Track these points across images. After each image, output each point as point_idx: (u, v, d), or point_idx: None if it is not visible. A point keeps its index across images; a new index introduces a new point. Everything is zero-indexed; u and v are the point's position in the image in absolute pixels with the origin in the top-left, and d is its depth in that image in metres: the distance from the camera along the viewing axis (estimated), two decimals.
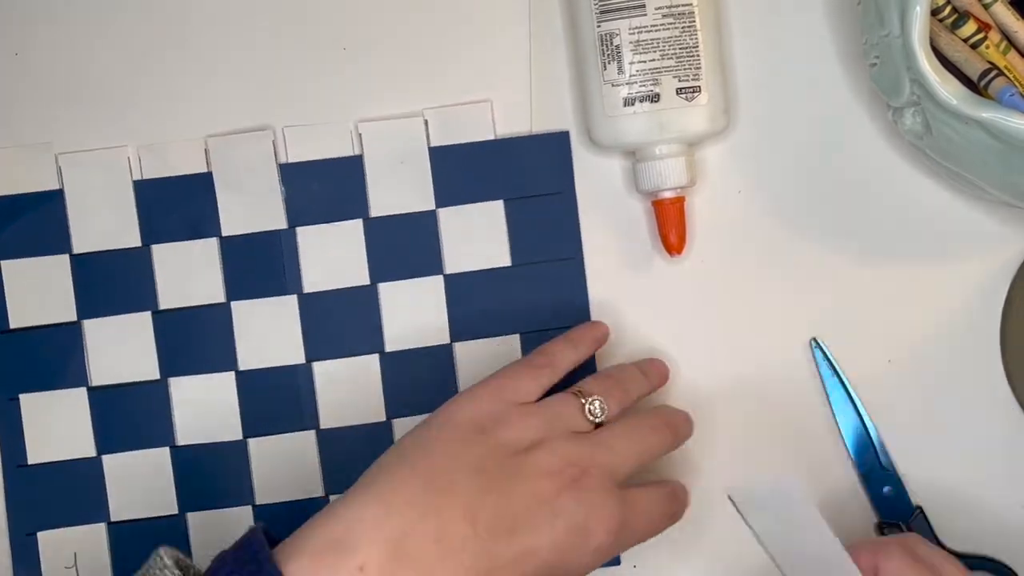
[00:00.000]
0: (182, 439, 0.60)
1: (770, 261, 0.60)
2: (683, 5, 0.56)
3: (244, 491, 0.60)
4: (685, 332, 0.60)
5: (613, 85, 0.57)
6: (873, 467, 0.59)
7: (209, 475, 0.60)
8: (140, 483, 0.60)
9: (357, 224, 0.60)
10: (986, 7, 0.54)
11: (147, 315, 0.60)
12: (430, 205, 0.60)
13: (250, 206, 0.60)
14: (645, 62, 0.57)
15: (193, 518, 0.60)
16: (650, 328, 0.60)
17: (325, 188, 0.60)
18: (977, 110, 0.50)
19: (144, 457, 0.60)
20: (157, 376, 0.60)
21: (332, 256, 0.60)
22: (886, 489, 0.59)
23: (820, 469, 0.60)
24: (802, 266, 0.60)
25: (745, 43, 0.60)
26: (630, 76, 0.57)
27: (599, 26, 0.57)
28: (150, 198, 0.60)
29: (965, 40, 0.53)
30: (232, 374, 0.60)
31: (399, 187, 0.60)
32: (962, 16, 0.53)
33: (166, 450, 0.60)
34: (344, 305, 0.60)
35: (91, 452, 0.60)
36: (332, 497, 0.60)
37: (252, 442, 0.60)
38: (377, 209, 0.60)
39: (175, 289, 0.60)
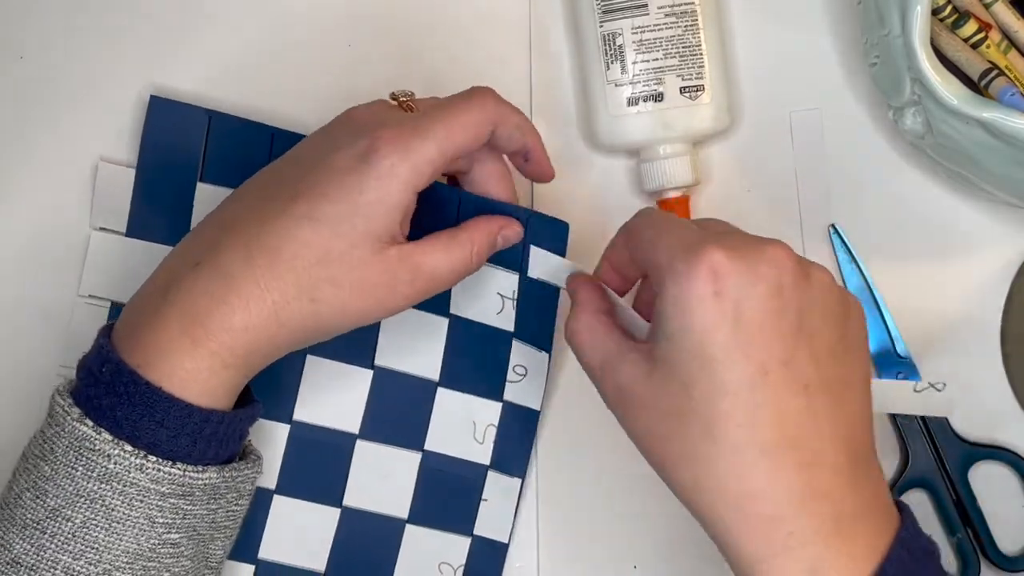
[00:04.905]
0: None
1: None
2: (685, 4, 0.57)
3: None
4: None
5: (616, 85, 0.57)
6: (888, 354, 0.58)
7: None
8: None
9: None
10: (987, 7, 0.54)
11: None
12: None
13: None
14: (648, 61, 0.57)
15: None
16: None
17: None
18: (978, 110, 0.50)
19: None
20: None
21: None
22: (899, 374, 0.58)
23: None
24: None
25: (746, 42, 0.61)
26: (633, 76, 0.57)
27: (601, 26, 0.57)
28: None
29: (966, 40, 0.54)
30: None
31: None
32: (963, 16, 0.54)
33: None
34: None
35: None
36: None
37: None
38: None
39: None
